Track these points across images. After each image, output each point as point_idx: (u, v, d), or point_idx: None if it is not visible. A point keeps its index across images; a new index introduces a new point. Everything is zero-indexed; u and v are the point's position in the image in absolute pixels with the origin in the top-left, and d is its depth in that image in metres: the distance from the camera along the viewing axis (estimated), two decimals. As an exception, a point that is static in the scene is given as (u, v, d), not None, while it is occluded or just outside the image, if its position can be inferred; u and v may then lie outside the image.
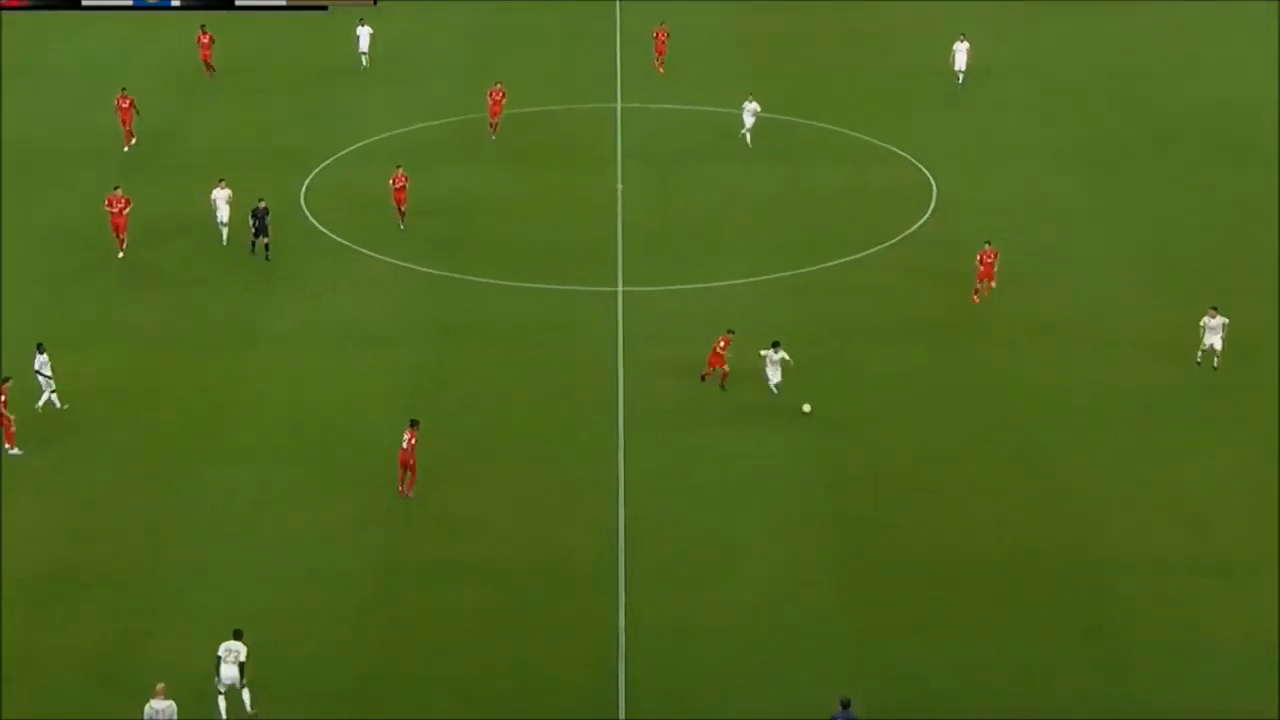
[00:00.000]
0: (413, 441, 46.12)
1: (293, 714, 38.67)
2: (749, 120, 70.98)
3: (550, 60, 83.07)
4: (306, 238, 61.58)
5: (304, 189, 66.71)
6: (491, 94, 71.93)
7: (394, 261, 60.51)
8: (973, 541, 45.08)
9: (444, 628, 41.96)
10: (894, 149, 70.95)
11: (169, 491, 47.17)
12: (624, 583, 43.32)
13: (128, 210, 60.47)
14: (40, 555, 44.51)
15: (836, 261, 60.85)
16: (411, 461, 46.24)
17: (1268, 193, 66.50)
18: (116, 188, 60.90)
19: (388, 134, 72.90)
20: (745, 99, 71.49)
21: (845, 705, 36.77)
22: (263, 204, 60.07)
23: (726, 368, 51.29)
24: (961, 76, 76.79)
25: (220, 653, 38.26)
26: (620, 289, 58.72)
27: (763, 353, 50.77)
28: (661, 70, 79.52)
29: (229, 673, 38.11)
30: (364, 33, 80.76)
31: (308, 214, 64.33)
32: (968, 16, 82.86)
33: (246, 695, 38.45)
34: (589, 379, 53.09)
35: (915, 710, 39.05)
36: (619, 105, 76.61)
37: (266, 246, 59.78)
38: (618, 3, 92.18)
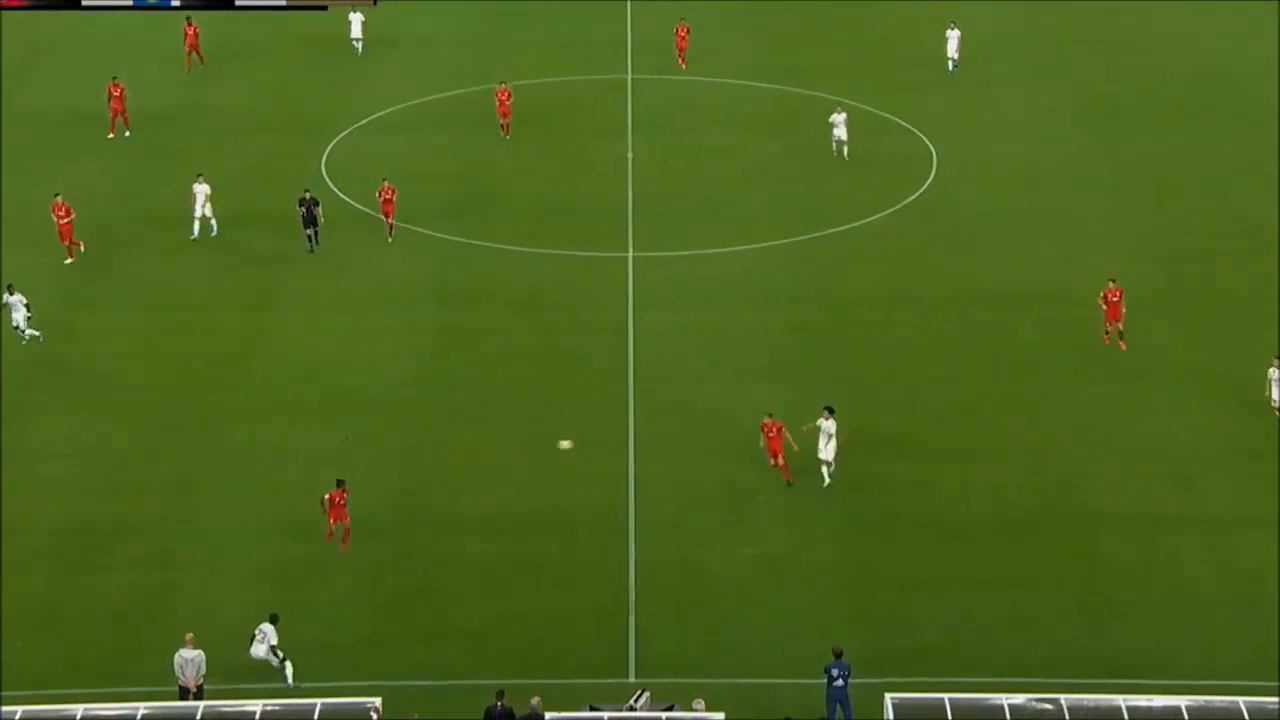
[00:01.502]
0: (340, 501, 43.60)
1: (311, 663, 39.47)
2: (841, 133, 66.82)
3: (562, 31, 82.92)
4: (328, 206, 61.71)
5: (324, 159, 67.35)
6: (498, 94, 69.86)
7: (412, 228, 61.24)
8: (967, 498, 46.03)
9: (457, 578, 42.98)
10: (896, 119, 71.28)
11: (193, 447, 48.30)
12: (633, 536, 44.36)
13: (71, 218, 58.32)
14: (69, 509, 45.60)
15: (840, 228, 61.54)
16: (342, 519, 43.68)
17: (1262, 158, 66.92)
18: (57, 195, 58.87)
19: (403, 105, 73.19)
20: (834, 111, 67.63)
21: (838, 655, 37.68)
22: (309, 194, 60.03)
23: (781, 459, 46.23)
24: (952, 63, 76.48)
25: (254, 632, 38.94)
26: (630, 254, 59.51)
27: (818, 423, 46.46)
28: (684, 66, 77.23)
29: (257, 651, 38.78)
30: (355, 19, 78.33)
31: (329, 182, 65.06)
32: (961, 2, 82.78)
33: (288, 668, 38.91)
34: (600, 340, 54.10)
35: (911, 660, 39.89)
36: (629, 76, 76.92)
37: (315, 235, 59.57)
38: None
